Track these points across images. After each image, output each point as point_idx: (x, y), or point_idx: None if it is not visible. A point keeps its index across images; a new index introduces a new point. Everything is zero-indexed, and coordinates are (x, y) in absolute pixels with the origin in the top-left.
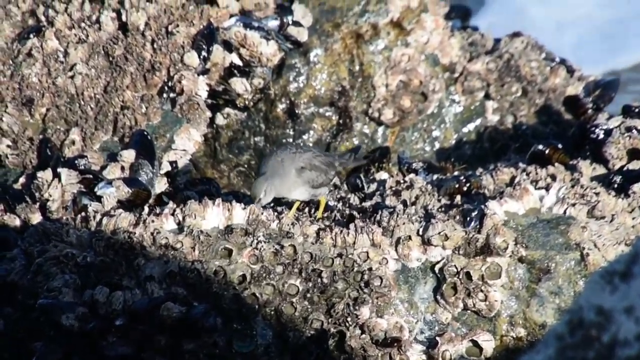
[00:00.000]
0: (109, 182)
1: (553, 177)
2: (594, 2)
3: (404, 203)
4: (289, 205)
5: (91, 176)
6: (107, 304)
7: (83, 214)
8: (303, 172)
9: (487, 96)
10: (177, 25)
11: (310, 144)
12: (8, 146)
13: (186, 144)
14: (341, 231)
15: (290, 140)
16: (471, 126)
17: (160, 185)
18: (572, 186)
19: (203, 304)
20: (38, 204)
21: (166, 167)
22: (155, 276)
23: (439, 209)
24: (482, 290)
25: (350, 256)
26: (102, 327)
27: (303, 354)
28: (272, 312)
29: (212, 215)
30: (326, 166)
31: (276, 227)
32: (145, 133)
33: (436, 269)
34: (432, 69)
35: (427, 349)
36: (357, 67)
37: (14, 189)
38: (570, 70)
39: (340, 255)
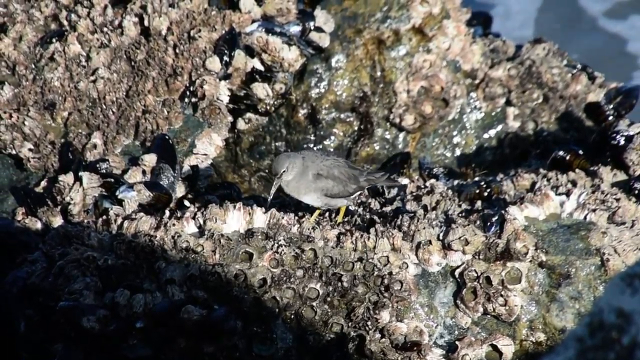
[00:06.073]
0: (130, 186)
1: (574, 183)
2: None
3: (425, 208)
4: (310, 210)
5: (112, 180)
6: (127, 306)
7: (104, 217)
8: (319, 179)
9: (508, 102)
10: (199, 30)
11: (332, 149)
12: (30, 150)
13: (207, 148)
14: (362, 235)
15: (312, 145)
16: (492, 132)
17: (181, 189)
18: (593, 192)
19: (223, 307)
20: (59, 207)
21: (187, 171)
22: (176, 279)
23: (460, 214)
24: (502, 295)
25: (370, 260)
26: (122, 330)
27: (323, 357)
28: (293, 316)
29: (233, 219)
30: (347, 178)
31: (297, 231)
32: (167, 137)
33: (456, 273)
34: (454, 75)
35: (446, 353)
36: (378, 73)
37: (36, 192)
38: (592, 77)
39: (360, 259)
